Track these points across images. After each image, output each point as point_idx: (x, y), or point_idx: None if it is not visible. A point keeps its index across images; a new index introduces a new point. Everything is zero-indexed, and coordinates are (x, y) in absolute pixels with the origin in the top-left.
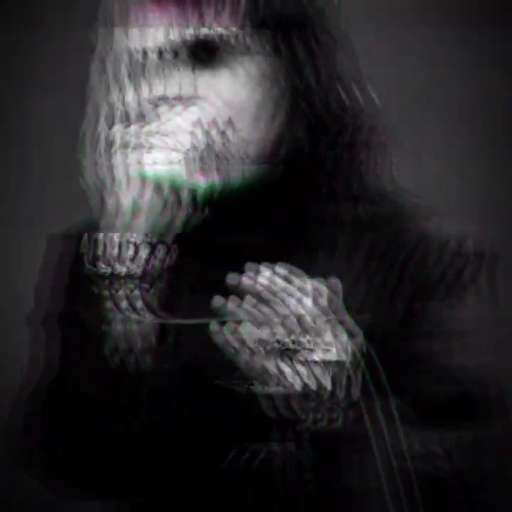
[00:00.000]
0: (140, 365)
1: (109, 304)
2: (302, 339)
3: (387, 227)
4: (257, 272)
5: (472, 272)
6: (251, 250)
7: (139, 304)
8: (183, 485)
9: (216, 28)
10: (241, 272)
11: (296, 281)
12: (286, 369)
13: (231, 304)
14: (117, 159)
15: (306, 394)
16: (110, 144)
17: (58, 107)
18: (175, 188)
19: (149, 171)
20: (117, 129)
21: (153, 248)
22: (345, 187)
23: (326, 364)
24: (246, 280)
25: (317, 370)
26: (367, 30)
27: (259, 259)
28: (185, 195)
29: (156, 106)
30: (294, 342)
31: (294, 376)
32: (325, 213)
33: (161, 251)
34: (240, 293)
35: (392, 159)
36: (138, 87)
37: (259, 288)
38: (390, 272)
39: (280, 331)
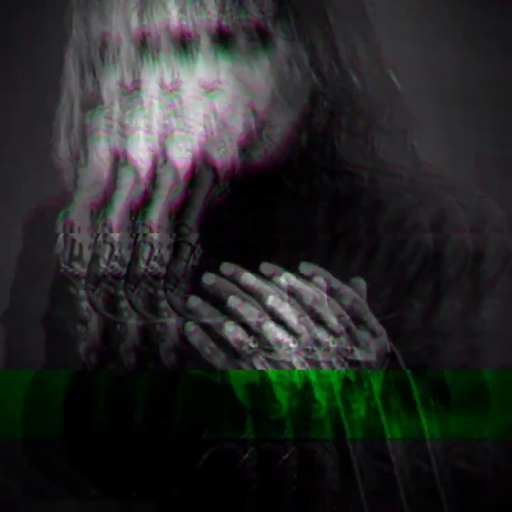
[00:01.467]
0: (119, 365)
1: (84, 304)
2: (303, 339)
3: (407, 217)
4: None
5: (496, 271)
6: (270, 248)
7: (163, 304)
8: (191, 485)
9: (237, 14)
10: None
11: (320, 280)
12: (260, 368)
13: (207, 305)
14: (99, 142)
15: (282, 384)
16: (89, 127)
17: (31, 93)
18: (195, 168)
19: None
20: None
21: (176, 248)
22: (364, 170)
23: (351, 364)
24: (223, 281)
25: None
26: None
27: (278, 258)
28: (204, 172)
29: (178, 90)
30: (294, 342)
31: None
32: (342, 197)
33: (185, 251)
34: (218, 293)
35: (413, 142)
36: (150, 72)
37: (235, 288)
38: (408, 269)
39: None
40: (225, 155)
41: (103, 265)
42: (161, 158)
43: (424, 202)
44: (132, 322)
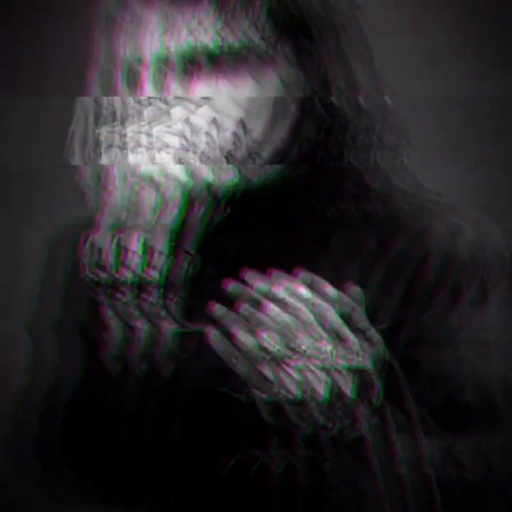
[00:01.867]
0: (143, 373)
1: (108, 312)
2: (301, 347)
3: (400, 229)
4: (264, 281)
5: (488, 281)
6: (270, 258)
7: (163, 312)
8: (184, 492)
9: (239, 40)
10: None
11: (316, 289)
12: (285, 377)
13: (232, 313)
14: (115, 159)
15: (303, 401)
16: (105, 143)
17: (47, 107)
18: (187, 187)
19: (156, 169)
20: (115, 129)
21: (176, 257)
22: (357, 188)
23: (347, 372)
24: (245, 288)
25: (338, 378)
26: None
27: (278, 266)
28: (201, 193)
29: (169, 106)
30: (293, 350)
31: (292, 384)
32: (338, 215)
33: (184, 260)
34: (239, 300)
35: (405, 160)
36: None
37: (261, 297)
38: (401, 278)
39: (280, 340)
40: (223, 176)
41: (129, 273)
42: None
43: (422, 226)
44: (166, 328)
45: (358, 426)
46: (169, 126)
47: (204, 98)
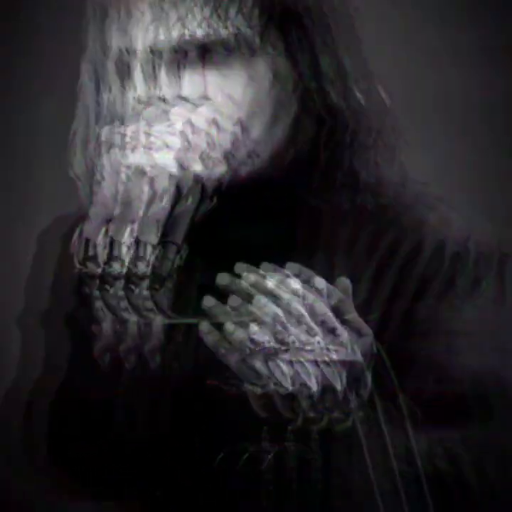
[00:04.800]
0: (132, 365)
1: (99, 304)
2: (290, 339)
3: (393, 221)
4: (253, 272)
5: (479, 272)
6: (258, 249)
7: (149, 304)
8: (175, 485)
9: (226, 28)
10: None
11: (304, 280)
12: (276, 369)
13: (221, 305)
14: (112, 157)
15: (293, 394)
16: (104, 142)
17: (47, 106)
18: (181, 181)
19: (147, 162)
20: (113, 128)
21: (162, 248)
22: (351, 185)
23: (336, 364)
24: (236, 280)
25: (327, 370)
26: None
27: (266, 258)
28: (193, 187)
29: (165, 105)
30: (282, 342)
31: (283, 376)
32: (331, 210)
33: (171, 250)
34: (231, 293)
35: (401, 159)
36: (139, 87)
37: (249, 288)
38: (391, 269)
39: (269, 332)
40: (212, 170)
41: (117, 265)
42: (156, 173)
43: (411, 219)
44: (157, 321)
45: (347, 418)
46: (169, 126)
47: (203, 98)
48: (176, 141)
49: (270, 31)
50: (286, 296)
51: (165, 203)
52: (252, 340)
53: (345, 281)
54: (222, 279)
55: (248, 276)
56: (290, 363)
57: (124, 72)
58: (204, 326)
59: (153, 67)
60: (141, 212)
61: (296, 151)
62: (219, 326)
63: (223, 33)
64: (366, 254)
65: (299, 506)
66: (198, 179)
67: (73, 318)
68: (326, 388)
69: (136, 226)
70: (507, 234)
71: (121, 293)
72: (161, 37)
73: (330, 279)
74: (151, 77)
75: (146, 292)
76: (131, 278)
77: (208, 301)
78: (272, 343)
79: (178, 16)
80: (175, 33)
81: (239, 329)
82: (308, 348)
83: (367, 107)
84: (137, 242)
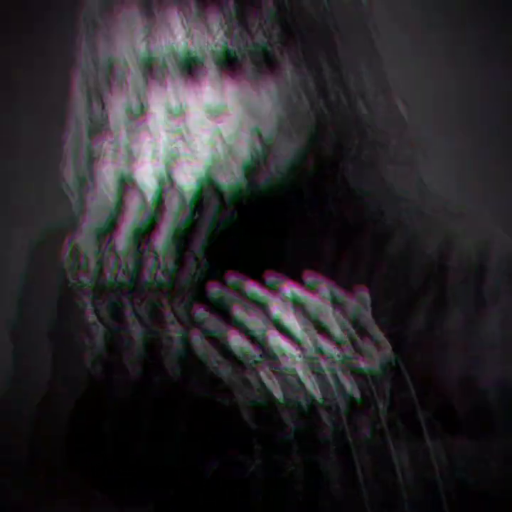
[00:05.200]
0: (125, 377)
1: (91, 318)
2: (309, 352)
3: (394, 235)
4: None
5: (496, 285)
6: (277, 261)
7: (170, 317)
8: (166, 496)
9: (247, 42)
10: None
11: (325, 293)
12: (267, 381)
13: (213, 317)
14: (106, 170)
15: (287, 406)
16: (98, 156)
17: (39, 114)
18: (201, 194)
19: (182, 182)
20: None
21: (182, 261)
22: (370, 199)
23: (355, 376)
24: (228, 293)
25: (344, 383)
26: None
27: (284, 270)
28: (213, 200)
29: (184, 117)
30: (274, 356)
31: (275, 388)
32: (348, 224)
33: (191, 264)
34: (223, 305)
35: (420, 175)
36: (157, 99)
37: (241, 300)
38: (410, 281)
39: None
40: (231, 181)
41: (110, 278)
42: (167, 185)
43: (431, 231)
44: (139, 335)
45: (362, 430)
46: (184, 139)
47: (223, 111)
48: (195, 154)
49: (291, 46)
50: (309, 308)
51: (184, 216)
52: (245, 354)
53: (363, 293)
54: (216, 293)
55: (256, 290)
56: (287, 374)
57: (117, 85)
58: (195, 339)
59: (158, 79)
60: (164, 227)
61: (318, 165)
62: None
63: (243, 46)
64: (372, 269)
65: None
66: (218, 192)
67: (63, 331)
68: (346, 401)
69: (152, 239)
70: None
71: (128, 306)
72: (166, 48)
73: (346, 291)
74: (143, 91)
75: (167, 305)
76: (139, 291)
77: (201, 315)
78: (270, 356)
79: (190, 29)
80: (192, 45)
81: (237, 342)
82: (328, 360)
83: (383, 122)
84: (156, 255)
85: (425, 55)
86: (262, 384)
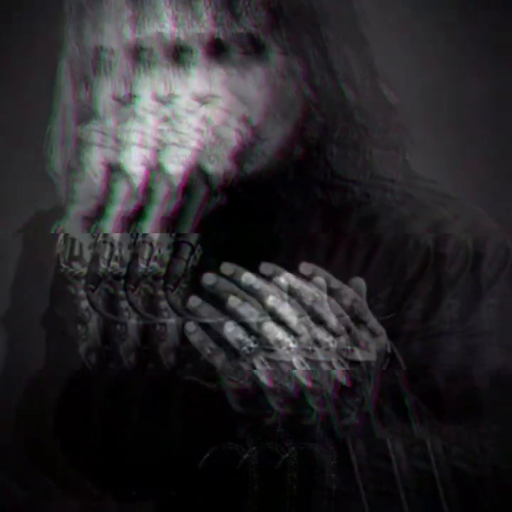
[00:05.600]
0: (119, 365)
1: (84, 304)
2: (304, 339)
3: (397, 222)
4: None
5: (492, 272)
6: (269, 247)
7: (163, 304)
8: (160, 485)
9: (233, 26)
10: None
11: (319, 281)
12: (260, 367)
13: (206, 305)
14: (92, 155)
15: (274, 390)
16: (83, 140)
17: (21, 102)
18: (188, 179)
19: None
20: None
21: (176, 248)
22: (354, 183)
23: (351, 364)
24: (223, 281)
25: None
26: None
27: (276, 257)
28: (199, 184)
29: (171, 102)
30: (266, 342)
31: (263, 372)
32: (333, 208)
33: (185, 251)
34: (218, 293)
35: (406, 157)
36: (144, 84)
37: (235, 288)
38: (406, 268)
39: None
40: (218, 167)
41: (103, 265)
42: (155, 170)
43: (417, 215)
44: (132, 322)
45: (351, 416)
46: (171, 124)
47: (209, 95)
48: (182, 139)
49: (277, 30)
50: (304, 295)
51: (171, 201)
52: (238, 341)
53: (359, 282)
54: (209, 279)
55: (251, 278)
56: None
57: (103, 70)
58: (189, 325)
59: (145, 64)
60: (152, 211)
61: (305, 149)
62: (204, 326)
63: (230, 31)
64: (384, 255)
65: (314, 502)
66: (204, 175)
67: (56, 317)
68: (336, 387)
69: (142, 225)
70: None
71: (121, 293)
72: (153, 33)
73: (347, 279)
74: (137, 74)
75: (160, 292)
76: (131, 278)
77: (194, 302)
78: (292, 343)
79: (176, 14)
80: (178, 30)
81: (233, 329)
82: (323, 347)
83: (370, 106)
84: (149, 241)
85: (415, 53)
86: (253, 370)
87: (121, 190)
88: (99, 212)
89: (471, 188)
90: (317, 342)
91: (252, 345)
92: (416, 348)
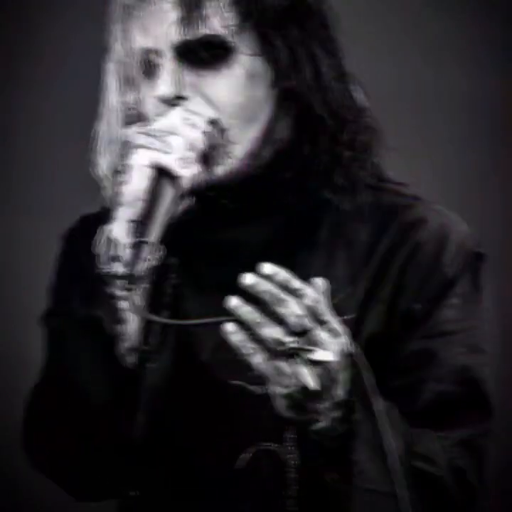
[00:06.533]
0: (158, 365)
1: (123, 304)
2: (304, 339)
3: (371, 222)
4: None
5: (455, 271)
6: (237, 249)
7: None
8: (197, 485)
9: (201, 28)
10: (235, 271)
11: (280, 281)
12: (300, 369)
13: (245, 305)
14: (138, 157)
15: (317, 393)
16: (128, 143)
17: (65, 105)
18: (161, 181)
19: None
20: (135, 129)
21: (137, 248)
22: (327, 183)
23: (314, 364)
24: (261, 281)
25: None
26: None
27: (249, 259)
28: (165, 186)
29: (156, 106)
30: (297, 342)
31: (307, 376)
32: (306, 209)
33: (144, 250)
34: (255, 293)
35: (377, 159)
36: (148, 87)
37: (270, 289)
38: (372, 269)
39: (289, 331)
40: (187, 169)
41: (142, 266)
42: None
43: (390, 215)
44: (171, 322)
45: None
46: (139, 127)
47: (179, 97)
48: (150, 141)
49: (246, 32)
50: (265, 296)
51: (138, 203)
52: (279, 342)
53: (321, 281)
54: (251, 280)
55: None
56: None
57: (150, 72)
58: (230, 326)
59: (178, 67)
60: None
61: (274, 151)
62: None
63: (198, 33)
64: (348, 255)
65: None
66: (170, 179)
67: (94, 318)
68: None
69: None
70: (483, 234)
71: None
72: (182, 36)
73: (305, 279)
74: (176, 76)
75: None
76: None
77: (234, 302)
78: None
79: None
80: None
81: (272, 330)
82: (284, 347)
83: (339, 108)
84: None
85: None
86: (295, 372)
87: (167, 193)
88: (145, 215)
89: (438, 190)
90: (278, 342)
91: (291, 345)
92: (381, 350)
